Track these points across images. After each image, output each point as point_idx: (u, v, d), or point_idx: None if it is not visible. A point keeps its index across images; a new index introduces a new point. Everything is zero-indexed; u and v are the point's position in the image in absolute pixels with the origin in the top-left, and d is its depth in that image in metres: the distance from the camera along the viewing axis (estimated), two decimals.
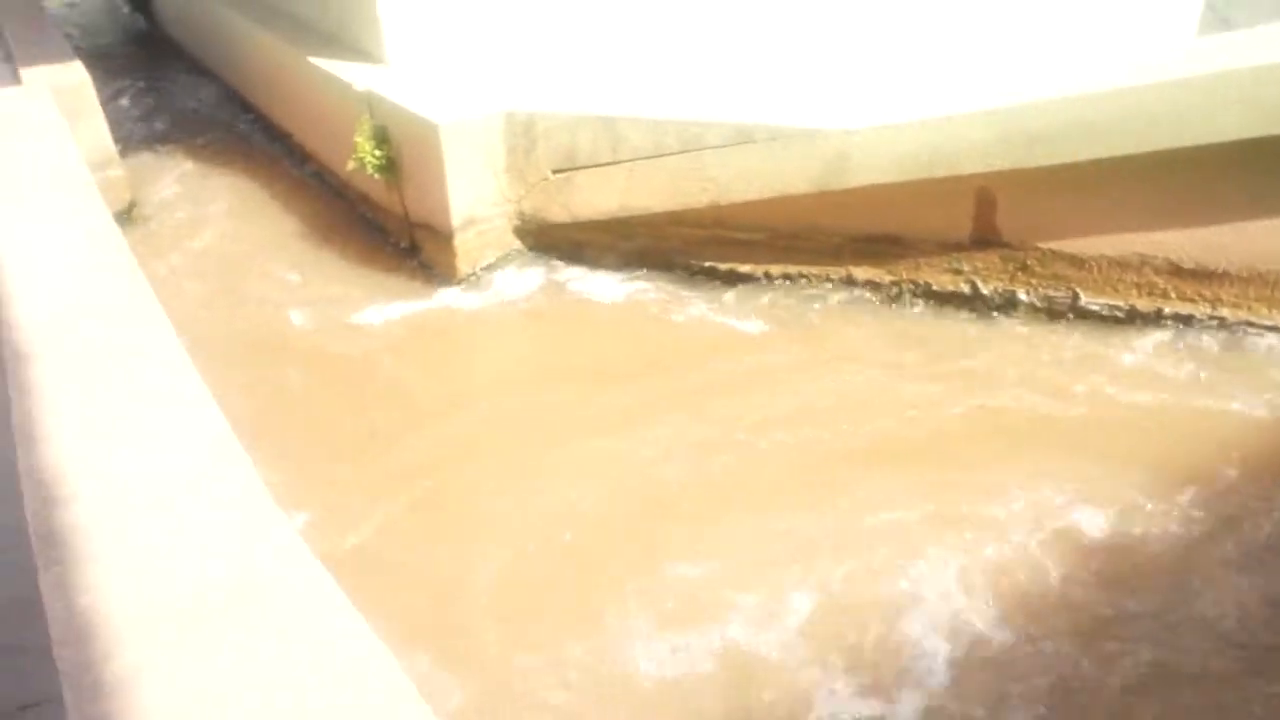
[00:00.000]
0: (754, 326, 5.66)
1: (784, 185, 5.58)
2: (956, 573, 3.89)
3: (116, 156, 7.28)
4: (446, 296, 6.12)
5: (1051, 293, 5.50)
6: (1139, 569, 3.89)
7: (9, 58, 10.13)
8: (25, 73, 7.21)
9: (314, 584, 2.11)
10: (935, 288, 5.76)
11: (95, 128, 7.04)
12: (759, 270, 6.04)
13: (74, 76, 7.07)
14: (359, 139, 6.24)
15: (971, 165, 5.24)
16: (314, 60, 7.05)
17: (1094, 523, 4.10)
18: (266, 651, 1.94)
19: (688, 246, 6.12)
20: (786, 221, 5.79)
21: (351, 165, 6.35)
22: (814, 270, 5.94)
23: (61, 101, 6.64)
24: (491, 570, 4.06)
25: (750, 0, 7.44)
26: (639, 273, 6.23)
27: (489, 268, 6.24)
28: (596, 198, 6.04)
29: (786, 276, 6.01)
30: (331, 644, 1.96)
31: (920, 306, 5.78)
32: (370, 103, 6.31)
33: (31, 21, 9.44)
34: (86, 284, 3.79)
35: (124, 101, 10.18)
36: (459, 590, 3.96)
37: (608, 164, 5.91)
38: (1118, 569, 3.88)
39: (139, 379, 2.93)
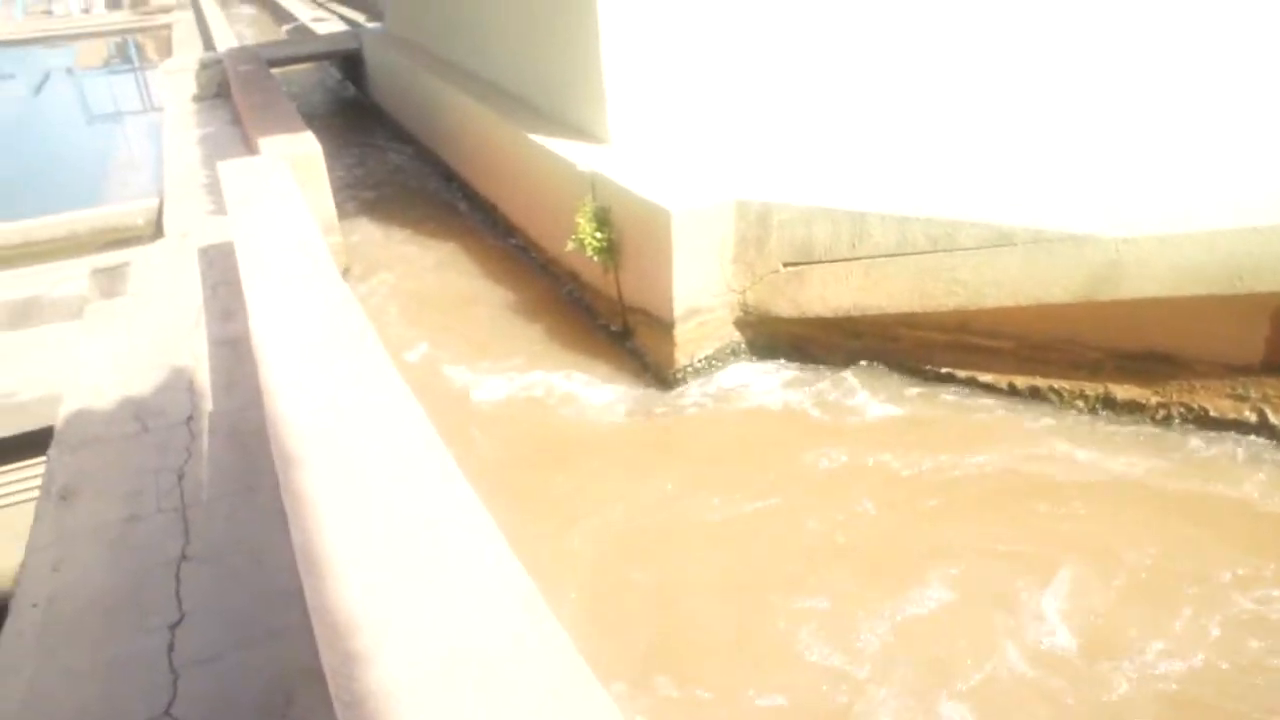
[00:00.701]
0: (1011, 439, 5.15)
1: (1043, 293, 5.09)
2: None
3: (337, 223, 7.45)
4: (662, 386, 5.87)
5: None
6: None
7: (237, 120, 10.74)
8: (263, 142, 7.50)
9: None
10: (1212, 413, 5.11)
11: (322, 196, 7.24)
12: (1001, 380, 5.53)
13: (306, 147, 7.30)
14: (580, 220, 6.12)
15: (1274, 282, 4.63)
16: (534, 137, 7.03)
17: None
18: None
19: (922, 350, 5.68)
20: (1041, 331, 5.27)
21: (570, 246, 6.23)
22: (1066, 385, 5.39)
23: (295, 170, 6.85)
24: None
25: (1004, 86, 7.04)
26: (864, 374, 5.82)
27: (707, 360, 5.96)
28: (828, 294, 5.69)
29: (1033, 390, 5.47)
30: None
31: (1192, 432, 5.13)
32: (594, 184, 6.20)
33: (266, 89, 9.95)
34: (340, 371, 3.69)
35: (334, 166, 10.59)
36: None
37: (845, 259, 5.57)
38: None
39: (420, 504, 2.73)
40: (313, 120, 12.37)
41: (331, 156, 10.42)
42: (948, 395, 5.54)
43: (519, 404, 5.85)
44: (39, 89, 19.53)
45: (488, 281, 7.45)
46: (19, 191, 12.73)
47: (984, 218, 5.17)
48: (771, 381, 5.82)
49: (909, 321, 5.58)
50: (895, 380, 5.73)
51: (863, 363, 5.86)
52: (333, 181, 9.86)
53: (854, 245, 5.52)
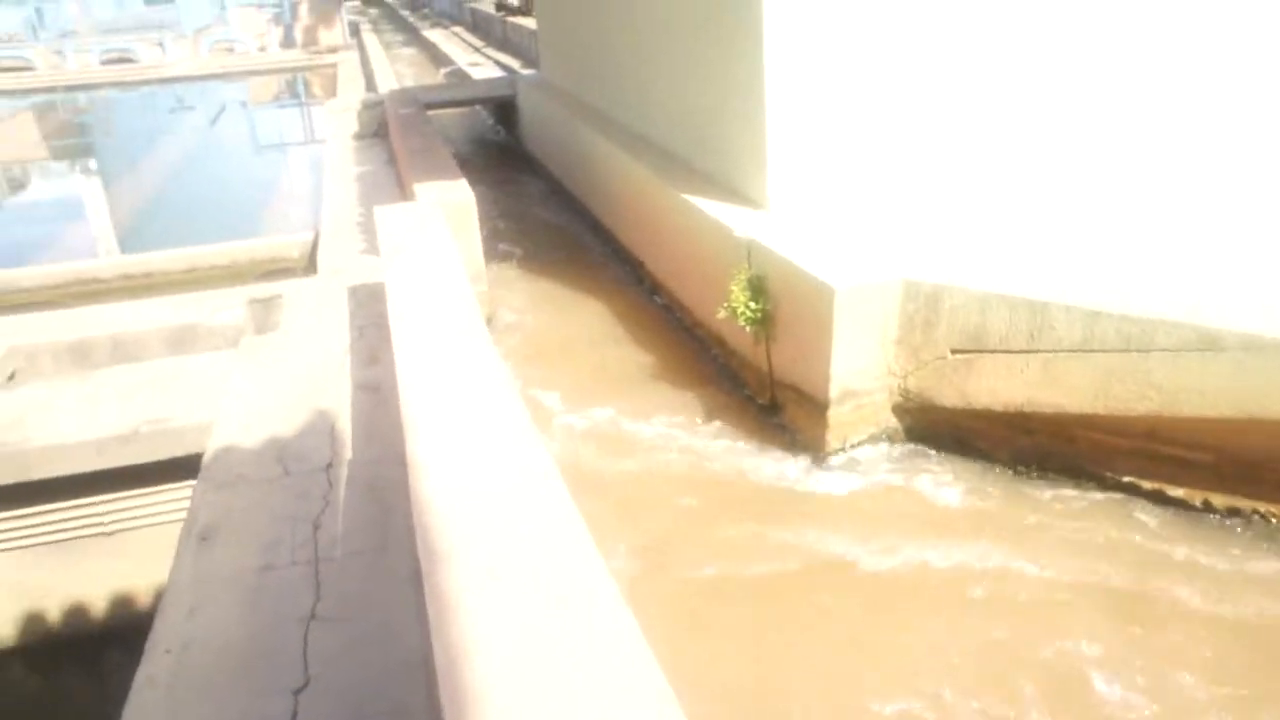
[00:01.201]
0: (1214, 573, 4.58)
1: (1256, 405, 4.53)
2: None
3: (484, 271, 7.43)
4: (809, 468, 5.53)
5: None
6: None
7: (393, 160, 11.02)
8: (419, 187, 7.58)
9: None
10: None
11: (471, 244, 7.24)
12: (1195, 496, 4.97)
13: (460, 195, 7.33)
14: (735, 288, 5.87)
15: None
16: (688, 197, 6.86)
17: None
18: None
19: (1101, 454, 5.16)
20: (1250, 447, 4.71)
21: (722, 314, 5.99)
22: (1278, 510, 4.78)
23: (447, 217, 6.86)
24: None
25: (1196, 163, 6.50)
26: (1033, 476, 5.33)
27: (859, 445, 5.59)
28: (1000, 386, 5.25)
29: (1232, 510, 4.88)
30: None
31: None
32: (750, 251, 5.96)
33: (424, 133, 10.17)
34: (485, 443, 3.51)
35: (482, 211, 10.70)
36: None
37: (1022, 351, 5.13)
38: None
39: (567, 617, 2.48)
40: (465, 163, 12.61)
41: (480, 199, 10.50)
42: (1134, 510, 5.00)
43: (656, 474, 5.60)
44: (215, 120, 20.76)
45: (630, 340, 7.28)
46: (189, 216, 13.43)
47: (1188, 318, 4.67)
48: (931, 475, 5.40)
49: (1089, 423, 5.08)
50: (1069, 485, 5.23)
51: (1033, 463, 5.38)
52: (481, 226, 9.97)
53: (1033, 337, 5.08)
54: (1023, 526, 4.97)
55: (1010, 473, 5.38)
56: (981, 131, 6.47)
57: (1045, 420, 5.23)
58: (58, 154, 19.39)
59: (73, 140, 20.76)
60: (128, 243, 12.57)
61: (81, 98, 24.08)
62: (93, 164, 18.24)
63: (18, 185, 17.11)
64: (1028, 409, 5.23)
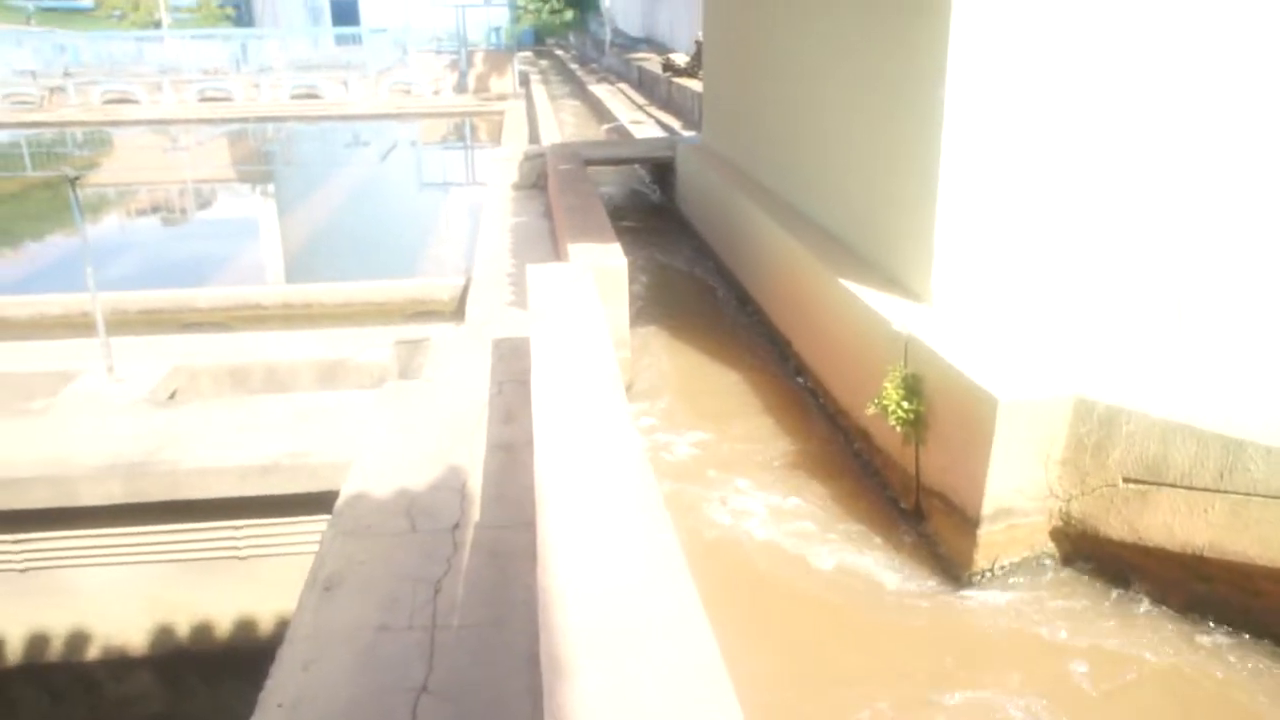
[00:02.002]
0: None
1: None
2: None
3: (628, 339, 7.37)
4: (952, 585, 5.14)
5: None
6: None
7: (549, 214, 11.21)
8: (572, 247, 7.62)
9: None
10: None
11: (619, 309, 7.19)
12: None
13: (613, 260, 7.32)
14: (888, 385, 5.58)
15: None
16: (845, 282, 6.62)
17: None
18: None
19: None
20: None
21: (871, 411, 5.70)
22: None
23: (597, 281, 6.84)
24: None
25: None
26: (1208, 627, 4.79)
27: (1011, 567, 5.17)
28: (1177, 524, 4.76)
29: None
30: None
31: None
32: (908, 348, 5.66)
33: (581, 192, 10.30)
34: (620, 538, 3.35)
35: (630, 270, 10.72)
36: None
37: (1206, 489, 4.64)
38: None
39: None
40: (617, 215, 12.75)
41: (628, 254, 10.59)
42: None
43: (785, 572, 5.32)
44: (385, 156, 21.83)
45: (768, 421, 7.05)
46: (351, 247, 14.05)
47: None
48: (1090, 614, 4.92)
49: None
50: (1250, 646, 4.66)
51: (1208, 613, 4.83)
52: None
53: (1222, 476, 4.59)
54: (1195, 691, 4.44)
55: (1180, 620, 4.84)
56: (1165, 233, 6.00)
57: (1228, 568, 4.70)
58: (243, 178, 20.77)
59: (257, 167, 22.23)
60: (294, 267, 13.23)
61: (270, 128, 25.83)
62: (271, 189, 19.43)
63: (205, 203, 18.37)
64: (1208, 554, 4.71)
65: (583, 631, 2.76)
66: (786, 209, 8.86)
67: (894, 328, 5.81)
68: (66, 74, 28.20)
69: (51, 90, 27.28)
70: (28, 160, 22.05)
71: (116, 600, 5.63)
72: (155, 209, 17.90)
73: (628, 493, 3.63)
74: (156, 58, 29.65)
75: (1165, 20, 5.64)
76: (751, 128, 10.51)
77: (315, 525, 5.44)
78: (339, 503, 5.03)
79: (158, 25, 41.30)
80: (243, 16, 50.86)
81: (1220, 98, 5.79)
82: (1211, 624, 4.79)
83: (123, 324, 8.43)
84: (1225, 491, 4.59)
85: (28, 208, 17.79)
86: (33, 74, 28.25)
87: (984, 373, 5.04)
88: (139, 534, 5.52)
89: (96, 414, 5.97)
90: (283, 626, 5.48)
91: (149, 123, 25.62)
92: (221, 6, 51.55)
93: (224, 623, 5.82)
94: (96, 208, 17.01)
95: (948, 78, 5.67)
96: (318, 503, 5.46)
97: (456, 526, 4.80)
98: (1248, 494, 4.52)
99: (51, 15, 49.83)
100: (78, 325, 8.29)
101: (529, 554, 4.38)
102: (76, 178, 6.67)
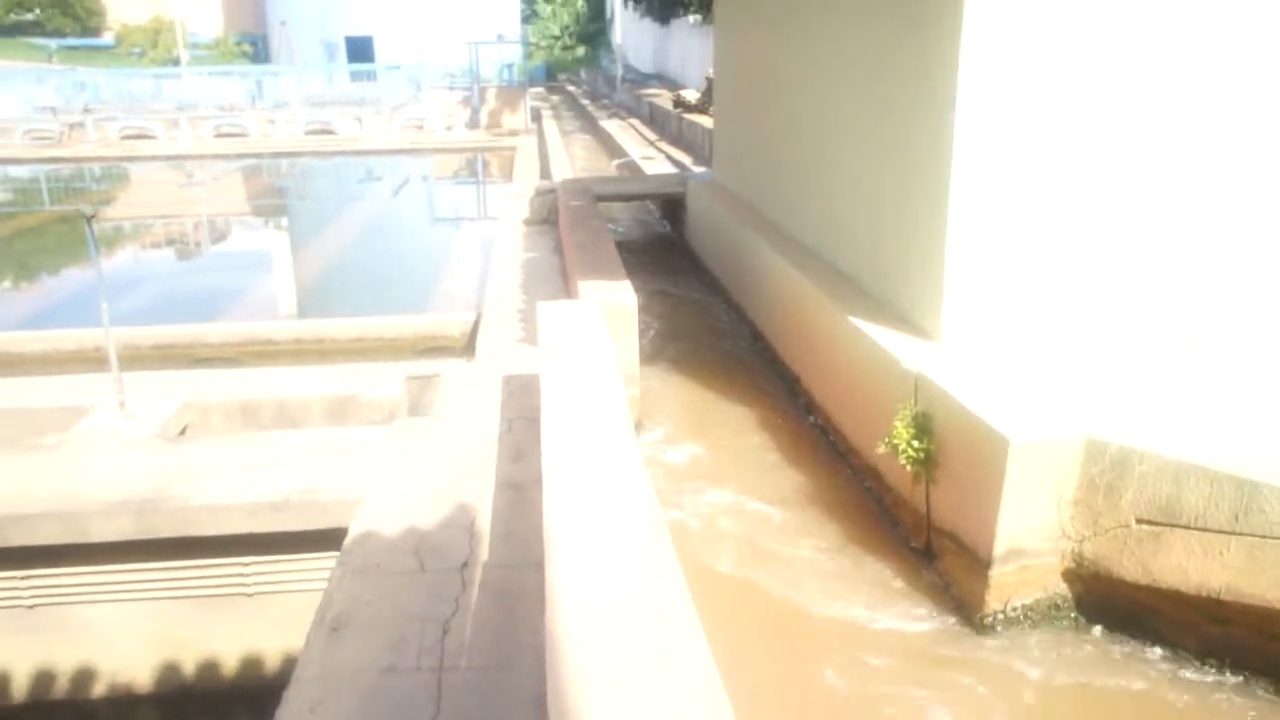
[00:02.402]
0: None
1: None
2: None
3: (638, 376, 7.37)
4: (963, 626, 5.08)
5: None
6: None
7: (559, 249, 11.27)
8: (582, 285, 7.65)
9: None
10: None
11: (628, 348, 7.20)
12: None
13: (623, 297, 7.34)
14: (898, 424, 5.56)
15: None
16: (855, 320, 6.62)
17: None
18: None
19: None
20: None
21: (882, 449, 5.68)
22: None
23: (607, 318, 6.85)
24: None
25: None
26: (1225, 672, 4.72)
27: (1024, 609, 5.11)
28: (1193, 567, 4.70)
29: None
30: None
31: None
32: (918, 386, 5.65)
33: (592, 228, 10.35)
34: (627, 574, 3.33)
35: (639, 306, 10.76)
36: None
37: (1221, 531, 4.59)
38: None
39: None
40: (627, 250, 12.81)
41: (638, 289, 10.61)
42: None
43: (794, 609, 5.28)
44: (397, 191, 22.02)
45: (779, 459, 7.02)
46: (363, 281, 14.14)
47: None
48: (1104, 657, 4.86)
49: None
50: (1269, 689, 4.59)
51: (1225, 657, 4.76)
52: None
53: (1237, 518, 4.54)
54: None
55: (1198, 664, 4.78)
56: (1177, 273, 5.99)
57: (1246, 612, 4.64)
58: (257, 212, 20.97)
59: (271, 201, 22.45)
60: (306, 302, 13.31)
61: (284, 164, 26.11)
62: (284, 224, 19.60)
63: (219, 238, 18.54)
64: (1225, 597, 4.65)
65: (591, 676, 2.74)
66: (797, 246, 8.89)
67: (904, 366, 5.80)
68: (86, 110, 28.62)
69: (71, 126, 27.69)
70: (46, 196, 22.34)
71: (123, 636, 5.62)
72: (170, 243, 18.08)
73: (636, 535, 3.62)
74: (174, 94, 30.07)
75: (1177, 61, 5.67)
76: (761, 165, 10.58)
77: (324, 562, 5.43)
78: (348, 540, 5.02)
79: (176, 62, 41.98)
80: (259, 53, 51.65)
81: (1233, 141, 5.80)
82: (1229, 670, 4.72)
83: (135, 359, 8.49)
84: (1241, 534, 4.55)
85: (46, 242, 17.99)
86: (53, 110, 28.71)
87: (995, 412, 5.02)
88: (148, 570, 5.52)
89: (108, 449, 5.99)
90: (289, 664, 5.45)
91: (165, 158, 25.95)
92: (239, 44, 52.40)
93: (230, 660, 5.79)
94: (112, 242, 17.19)
95: (957, 116, 5.71)
96: (327, 539, 5.46)
97: (465, 565, 4.78)
98: (1264, 536, 4.47)
99: (74, 53, 50.73)
100: (91, 360, 8.36)
101: (537, 595, 4.36)
102: (93, 215, 6.76)
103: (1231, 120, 5.77)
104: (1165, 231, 5.92)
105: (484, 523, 5.17)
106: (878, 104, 6.99)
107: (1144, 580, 4.87)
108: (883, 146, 6.93)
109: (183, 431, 6.77)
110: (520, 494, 5.43)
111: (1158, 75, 5.70)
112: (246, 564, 5.60)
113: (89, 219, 6.63)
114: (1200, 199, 5.89)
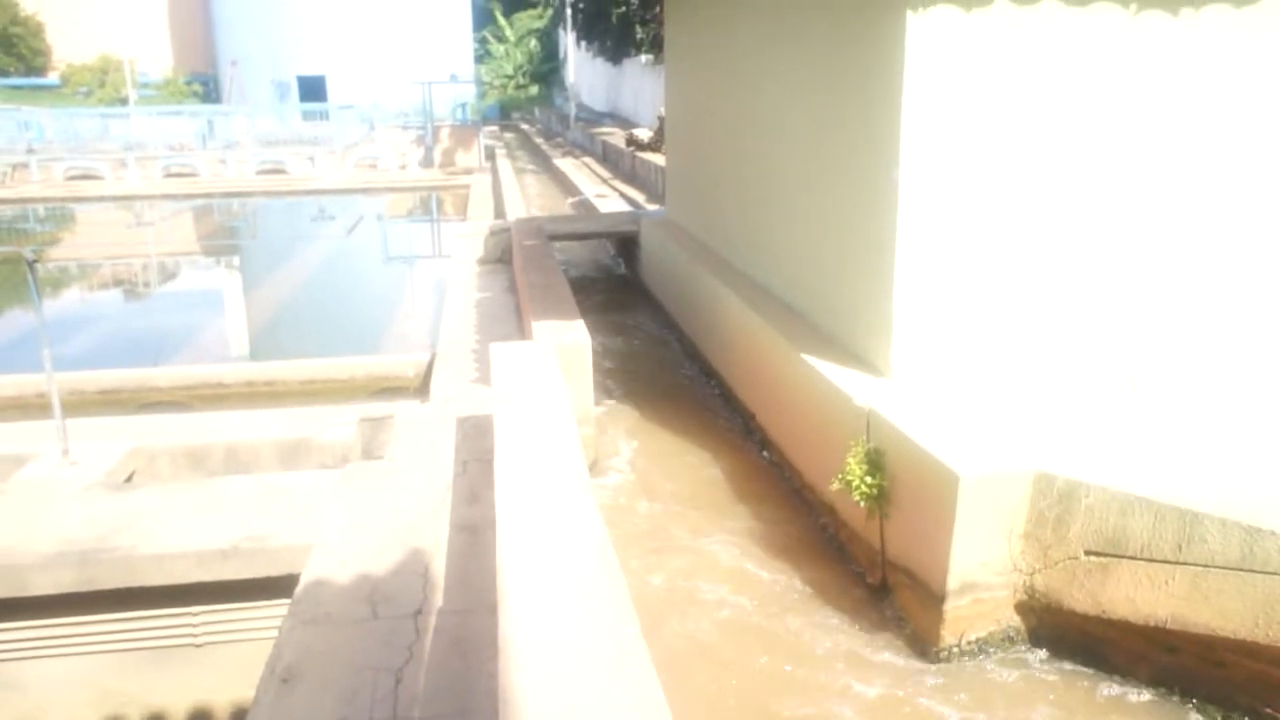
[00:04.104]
0: None
1: None
2: None
3: (593, 415, 7.37)
4: (919, 660, 5.11)
5: None
6: None
7: (513, 288, 11.27)
8: (536, 325, 7.66)
9: None
10: None
11: (583, 386, 7.20)
12: None
13: (576, 337, 7.36)
14: (851, 461, 5.62)
15: None
16: (807, 358, 6.70)
17: None
18: None
19: (1260, 686, 4.61)
20: None
21: (835, 486, 5.73)
22: None
23: (561, 358, 6.85)
24: None
25: None
26: (1175, 699, 4.79)
27: (979, 642, 5.16)
28: (1140, 597, 4.80)
29: None
30: None
31: None
32: (870, 423, 5.72)
33: (546, 268, 10.38)
34: (582, 622, 3.31)
35: (594, 344, 10.78)
36: None
37: (1167, 562, 4.69)
38: None
39: None
40: (581, 291, 12.85)
41: (592, 328, 10.62)
42: None
43: (751, 648, 5.27)
44: (351, 230, 21.89)
45: (733, 496, 7.04)
46: (316, 320, 14.00)
47: None
48: (1057, 689, 4.91)
49: (1247, 650, 4.56)
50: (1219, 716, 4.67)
51: (1175, 685, 4.84)
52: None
53: (1180, 548, 4.65)
54: None
55: (1150, 694, 4.85)
56: (1118, 307, 6.17)
57: (1193, 640, 4.73)
58: (207, 253, 20.70)
59: (222, 241, 22.18)
60: (258, 343, 13.13)
61: (235, 203, 25.85)
62: (236, 264, 19.37)
63: (169, 278, 18.26)
64: (1172, 626, 4.74)
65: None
66: (749, 284, 8.99)
67: (855, 403, 5.88)
68: (30, 151, 28.13)
69: (14, 167, 27.19)
70: None
71: (65, 693, 5.44)
72: (117, 284, 17.77)
73: (590, 579, 3.60)
74: (122, 134, 29.68)
75: (1112, 102, 5.88)
76: (713, 203, 10.72)
77: (275, 610, 5.32)
78: (299, 589, 4.93)
79: (124, 102, 41.50)
80: (210, 93, 51.24)
81: (1165, 179, 6.01)
82: (1178, 698, 4.80)
83: (80, 404, 8.30)
84: (1184, 563, 4.65)
85: None
86: None
87: (945, 448, 5.10)
88: (91, 623, 5.36)
89: (49, 499, 5.84)
90: (240, 716, 5.32)
91: (113, 199, 25.55)
92: (189, 84, 51.96)
93: (178, 714, 5.63)
94: (58, 284, 16.84)
95: (901, 158, 5.85)
96: (278, 587, 5.35)
97: (419, 612, 4.71)
98: (1206, 565, 4.58)
99: (17, 93, 49.90)
100: (33, 407, 8.15)
101: (493, 640, 4.30)
102: (35, 259, 6.63)
103: (1168, 156, 5.99)
104: (1105, 265, 6.10)
105: (439, 568, 5.11)
106: (826, 146, 7.13)
107: (1094, 611, 4.95)
108: (831, 187, 7.07)
109: (129, 479, 6.62)
110: (475, 537, 5.38)
111: (1092, 121, 5.90)
112: (195, 614, 5.47)
113: (31, 264, 6.50)
114: (1136, 234, 6.08)
